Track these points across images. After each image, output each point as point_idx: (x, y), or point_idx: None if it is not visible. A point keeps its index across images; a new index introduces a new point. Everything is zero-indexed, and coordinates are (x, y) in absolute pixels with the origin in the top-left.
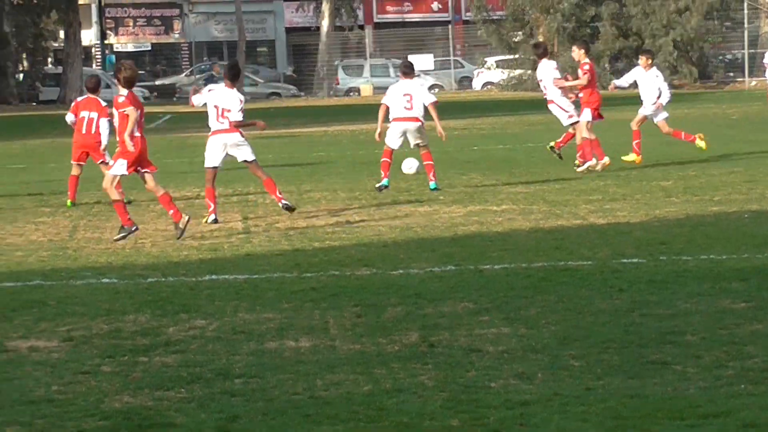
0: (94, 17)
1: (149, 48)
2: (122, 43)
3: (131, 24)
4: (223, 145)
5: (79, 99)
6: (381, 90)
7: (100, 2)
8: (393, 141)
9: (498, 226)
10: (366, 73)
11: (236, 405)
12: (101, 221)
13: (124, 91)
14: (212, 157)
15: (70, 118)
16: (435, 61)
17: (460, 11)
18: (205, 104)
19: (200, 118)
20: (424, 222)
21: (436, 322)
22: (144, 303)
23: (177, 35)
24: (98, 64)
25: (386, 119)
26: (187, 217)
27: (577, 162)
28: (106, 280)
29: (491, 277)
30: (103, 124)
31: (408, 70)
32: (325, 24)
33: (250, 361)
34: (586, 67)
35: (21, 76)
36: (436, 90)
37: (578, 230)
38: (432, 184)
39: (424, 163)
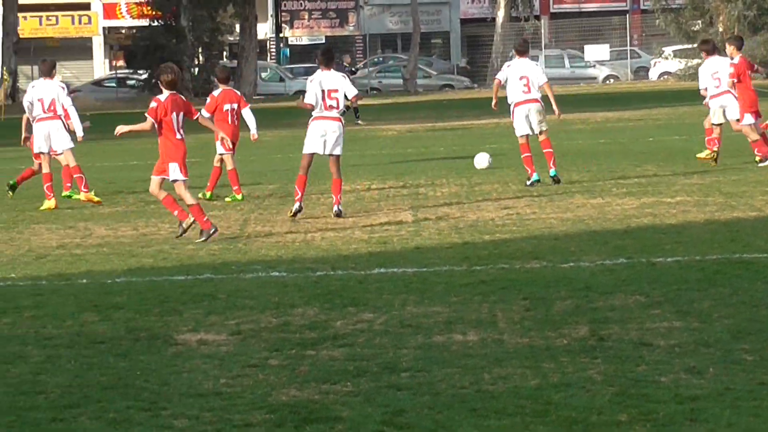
0: (270, 11)
1: (323, 41)
2: (297, 36)
3: (306, 17)
4: (323, 131)
5: (215, 93)
6: (555, 81)
7: None
8: (521, 127)
9: (672, 218)
10: (541, 64)
11: (402, 399)
12: (272, 215)
13: (165, 93)
14: (312, 143)
15: (206, 114)
16: (611, 51)
17: (638, 0)
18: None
19: (372, 111)
20: (596, 214)
21: (606, 315)
22: (313, 296)
23: (351, 28)
24: (273, 57)
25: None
26: (191, 219)
27: (756, 158)
28: (276, 273)
29: (663, 270)
30: (246, 112)
31: (523, 49)
32: (500, 15)
33: (417, 355)
34: (731, 70)
35: (196, 69)
36: (611, 81)
37: (754, 222)
38: (552, 171)
39: (544, 150)
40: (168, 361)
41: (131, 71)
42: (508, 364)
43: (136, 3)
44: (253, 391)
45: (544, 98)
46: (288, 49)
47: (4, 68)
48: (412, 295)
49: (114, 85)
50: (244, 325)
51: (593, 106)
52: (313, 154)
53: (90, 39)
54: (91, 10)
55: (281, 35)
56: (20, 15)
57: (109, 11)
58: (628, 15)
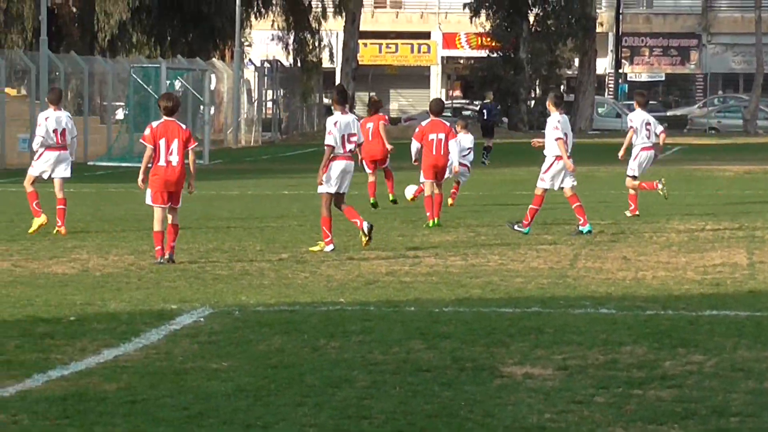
0: (610, 46)
1: (662, 78)
2: (636, 72)
3: (647, 53)
4: (343, 171)
5: (423, 123)
6: None
7: (618, 31)
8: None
9: None
10: None
11: None
12: (603, 251)
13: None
14: (332, 183)
15: (415, 146)
16: None
17: None
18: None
19: (709, 151)
20: None
21: None
22: (642, 335)
23: (693, 66)
24: (610, 92)
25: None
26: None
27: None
28: (605, 310)
29: None
30: (452, 145)
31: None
32: None
33: (747, 400)
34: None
35: (532, 102)
36: None
37: None
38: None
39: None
40: (493, 392)
41: (467, 101)
42: None
43: (475, 34)
44: (578, 428)
45: None
46: (626, 85)
47: None
48: (745, 338)
49: (449, 114)
50: (570, 361)
51: None
52: (332, 194)
53: (428, 68)
54: (430, 39)
55: (620, 71)
56: (360, 42)
57: (449, 41)
58: None
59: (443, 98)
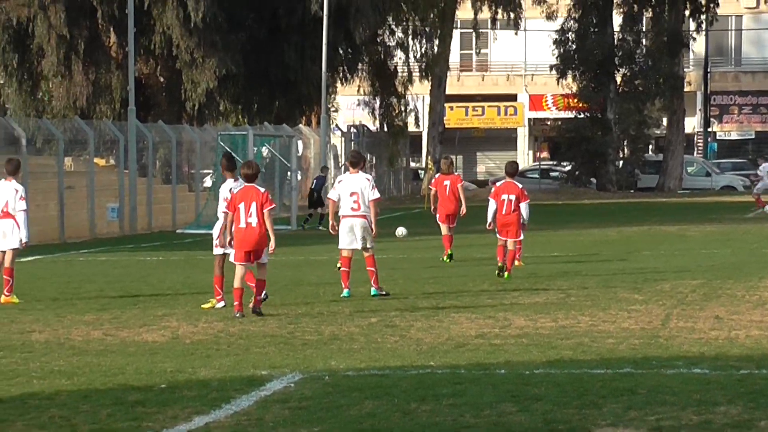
0: (699, 105)
1: (752, 136)
2: (725, 131)
3: (736, 112)
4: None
5: (498, 184)
6: None
7: (706, 90)
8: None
9: None
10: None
11: None
12: (695, 311)
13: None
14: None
15: (492, 207)
16: None
17: None
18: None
19: (715, 209)
20: None
21: None
22: (736, 395)
23: None
24: (699, 151)
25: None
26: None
27: None
28: (698, 370)
29: None
30: (524, 206)
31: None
32: None
33: None
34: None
35: (620, 163)
36: None
37: None
38: (373, 290)
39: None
40: None
41: (555, 163)
42: None
43: (562, 95)
44: None
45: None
46: (716, 144)
47: (429, 157)
48: None
49: (537, 176)
50: (664, 422)
51: None
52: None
53: (515, 130)
54: (517, 102)
55: (709, 129)
56: (447, 105)
57: (535, 103)
58: None
59: (531, 160)
